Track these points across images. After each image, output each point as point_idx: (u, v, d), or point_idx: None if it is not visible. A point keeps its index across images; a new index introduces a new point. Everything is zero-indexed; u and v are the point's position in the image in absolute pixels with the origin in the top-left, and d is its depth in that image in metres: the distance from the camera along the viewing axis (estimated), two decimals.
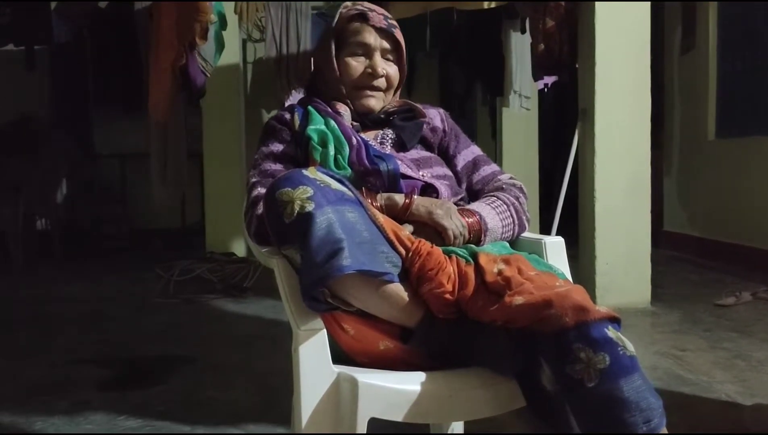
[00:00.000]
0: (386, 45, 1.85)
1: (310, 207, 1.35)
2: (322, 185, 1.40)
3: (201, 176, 6.29)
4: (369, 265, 1.36)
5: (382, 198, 1.63)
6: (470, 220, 1.65)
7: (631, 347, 1.27)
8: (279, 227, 1.41)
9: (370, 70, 1.83)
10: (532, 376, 1.38)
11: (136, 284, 5.00)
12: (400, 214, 1.61)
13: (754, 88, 5.23)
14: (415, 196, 1.63)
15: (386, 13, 1.88)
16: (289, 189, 1.38)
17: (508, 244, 1.73)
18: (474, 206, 1.72)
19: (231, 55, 5.77)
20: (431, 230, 1.58)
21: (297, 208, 1.35)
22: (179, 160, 5.97)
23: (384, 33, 1.84)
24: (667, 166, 6.49)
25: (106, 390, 2.69)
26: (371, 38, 1.83)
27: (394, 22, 1.88)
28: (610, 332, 1.27)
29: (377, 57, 1.84)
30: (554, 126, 8.54)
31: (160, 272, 4.82)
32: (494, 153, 6.91)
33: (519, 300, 1.34)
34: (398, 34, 1.87)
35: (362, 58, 1.84)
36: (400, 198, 1.62)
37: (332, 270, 1.32)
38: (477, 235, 1.65)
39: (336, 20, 1.86)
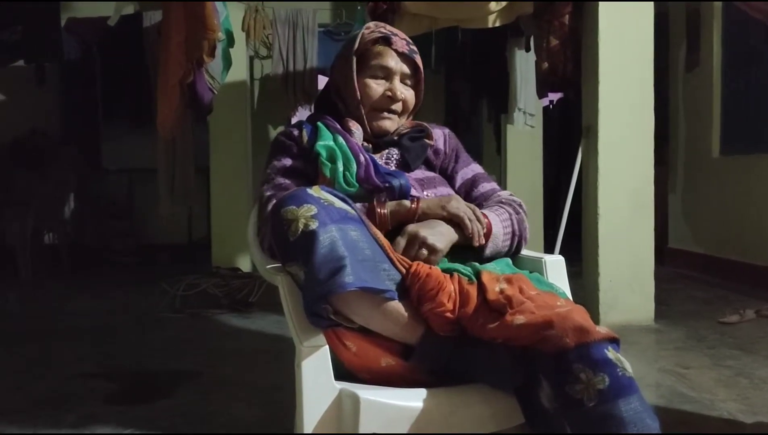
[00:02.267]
0: (406, 70, 1.88)
1: (313, 225, 1.38)
2: (325, 204, 1.43)
3: (208, 191, 6.32)
4: (371, 283, 1.39)
5: (389, 206, 1.65)
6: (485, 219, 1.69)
7: (629, 368, 1.30)
8: (284, 244, 1.44)
9: (389, 94, 1.85)
10: (532, 394, 1.40)
11: (142, 298, 5.02)
12: (408, 218, 1.63)
13: (758, 106, 5.25)
14: (422, 201, 1.67)
15: (408, 39, 1.91)
16: (294, 207, 1.41)
17: (510, 262, 1.75)
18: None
19: (238, 71, 5.81)
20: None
21: (301, 226, 1.38)
22: (186, 175, 6.01)
23: (405, 58, 1.88)
24: (672, 182, 6.50)
25: (112, 403, 2.70)
26: (393, 62, 1.86)
27: (415, 48, 1.91)
28: (610, 353, 1.29)
29: (397, 81, 1.87)
30: (559, 143, 8.55)
31: (165, 287, 4.84)
32: (499, 169, 6.93)
33: (520, 319, 1.36)
34: (418, 60, 1.90)
35: (383, 81, 1.87)
36: (407, 202, 1.65)
37: (335, 286, 1.34)
38: (486, 230, 1.68)
39: (358, 41, 1.88)
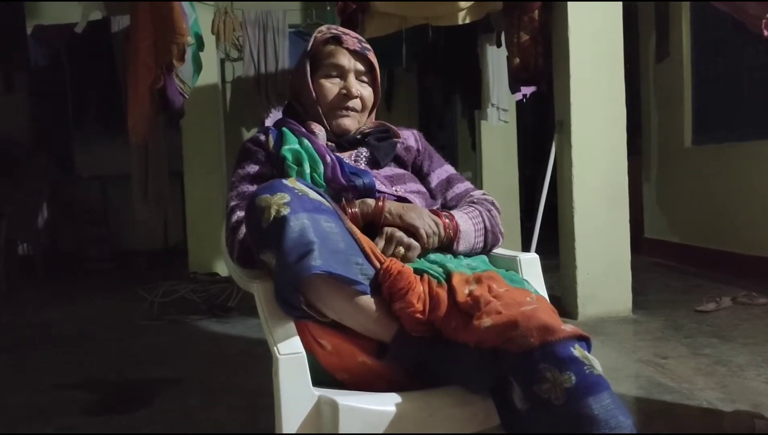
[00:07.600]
0: (360, 67, 1.90)
1: (285, 211, 1.39)
2: (300, 194, 1.44)
3: (182, 196, 6.28)
4: (340, 271, 1.39)
5: (356, 205, 1.65)
6: (446, 220, 1.69)
7: (598, 366, 1.29)
8: (257, 232, 1.45)
9: (344, 91, 1.87)
10: (505, 395, 1.39)
11: (119, 306, 4.97)
12: (374, 218, 1.64)
13: (728, 96, 5.31)
14: (387, 201, 1.67)
15: (360, 37, 1.93)
16: (268, 195, 1.42)
17: (487, 259, 1.76)
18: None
19: (209, 74, 5.78)
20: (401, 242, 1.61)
21: (273, 213, 1.40)
22: (160, 180, 5.98)
23: (358, 55, 1.89)
24: (646, 172, 6.55)
25: (91, 414, 2.68)
26: (345, 60, 1.87)
27: (368, 46, 1.93)
28: (576, 351, 1.28)
29: (351, 78, 1.88)
30: (534, 137, 8.59)
31: (143, 294, 4.80)
32: (474, 166, 6.94)
33: (487, 322, 1.36)
34: (372, 57, 1.91)
35: (337, 80, 1.89)
36: (372, 202, 1.66)
37: (302, 269, 1.35)
38: (453, 233, 1.68)
39: (311, 44, 1.91)
